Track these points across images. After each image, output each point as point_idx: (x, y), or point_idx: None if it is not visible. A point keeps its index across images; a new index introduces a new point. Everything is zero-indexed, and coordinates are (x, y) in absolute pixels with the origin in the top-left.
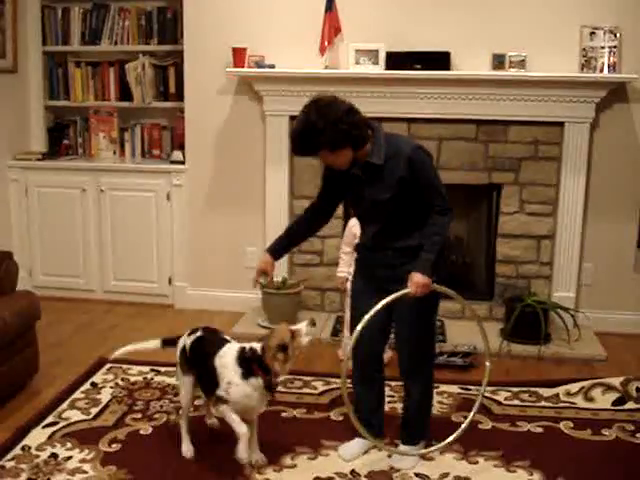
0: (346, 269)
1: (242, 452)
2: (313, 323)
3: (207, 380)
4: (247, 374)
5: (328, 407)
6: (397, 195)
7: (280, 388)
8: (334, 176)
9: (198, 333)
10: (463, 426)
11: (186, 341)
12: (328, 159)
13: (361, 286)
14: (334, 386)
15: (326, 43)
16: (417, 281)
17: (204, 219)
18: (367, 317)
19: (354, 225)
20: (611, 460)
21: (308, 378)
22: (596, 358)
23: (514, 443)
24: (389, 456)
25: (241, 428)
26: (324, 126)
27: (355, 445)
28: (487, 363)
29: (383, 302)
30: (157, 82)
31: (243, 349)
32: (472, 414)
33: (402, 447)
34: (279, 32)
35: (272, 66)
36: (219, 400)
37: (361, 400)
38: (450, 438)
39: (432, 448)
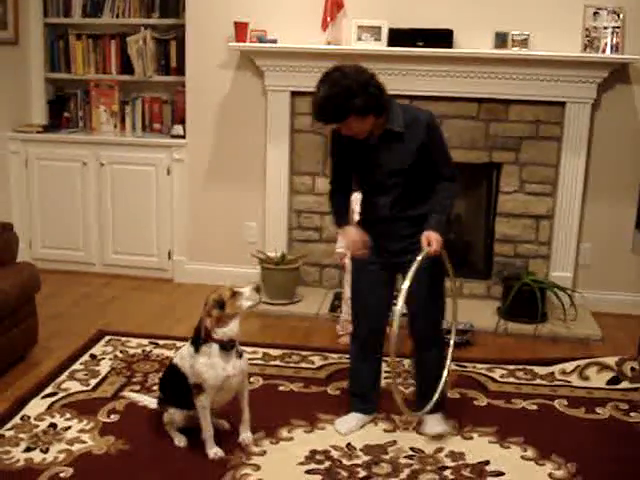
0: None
1: (210, 450)
2: (257, 289)
3: (181, 391)
4: (197, 346)
5: (325, 381)
6: (416, 162)
7: (277, 362)
8: (345, 152)
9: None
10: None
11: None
12: (352, 126)
13: (366, 261)
14: (331, 361)
15: (328, 19)
16: (436, 237)
17: (204, 194)
18: (405, 287)
19: (352, 200)
20: (604, 438)
21: (306, 353)
22: (592, 338)
23: (509, 420)
24: (417, 426)
25: (209, 429)
26: (357, 89)
27: (352, 419)
28: None
29: (413, 269)
30: (158, 56)
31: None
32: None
33: (429, 417)
34: (281, 7)
35: (274, 41)
36: (197, 393)
37: (360, 375)
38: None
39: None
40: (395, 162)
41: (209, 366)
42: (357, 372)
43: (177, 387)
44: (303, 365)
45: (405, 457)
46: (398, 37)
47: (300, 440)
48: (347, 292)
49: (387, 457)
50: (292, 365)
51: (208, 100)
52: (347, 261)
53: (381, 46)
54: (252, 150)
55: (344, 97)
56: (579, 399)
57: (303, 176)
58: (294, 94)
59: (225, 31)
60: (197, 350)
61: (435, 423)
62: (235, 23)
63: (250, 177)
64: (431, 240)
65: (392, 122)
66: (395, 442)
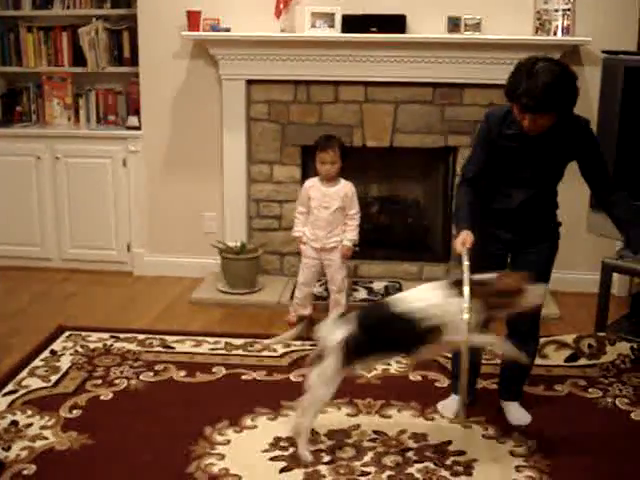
0: (301, 228)
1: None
2: None
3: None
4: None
5: (288, 369)
6: (565, 163)
7: (240, 352)
8: (496, 143)
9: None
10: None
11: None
12: (544, 120)
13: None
14: (294, 348)
15: (281, 6)
16: None
17: (161, 185)
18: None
19: (311, 186)
20: (563, 415)
21: (269, 341)
22: (550, 317)
23: (470, 400)
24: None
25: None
26: (576, 86)
27: (455, 402)
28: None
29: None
30: (111, 47)
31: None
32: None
33: (514, 404)
34: None
35: (228, 29)
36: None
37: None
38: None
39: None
40: (549, 161)
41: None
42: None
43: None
44: (265, 353)
45: (368, 440)
46: (352, 23)
47: (264, 428)
48: (301, 277)
49: (350, 441)
50: (254, 354)
51: (162, 90)
52: (303, 247)
53: (335, 33)
54: (209, 140)
55: (569, 90)
56: (538, 377)
57: (261, 165)
58: (249, 82)
59: (178, 20)
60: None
61: (520, 413)
62: (188, 12)
63: (208, 167)
64: None
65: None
66: (358, 426)
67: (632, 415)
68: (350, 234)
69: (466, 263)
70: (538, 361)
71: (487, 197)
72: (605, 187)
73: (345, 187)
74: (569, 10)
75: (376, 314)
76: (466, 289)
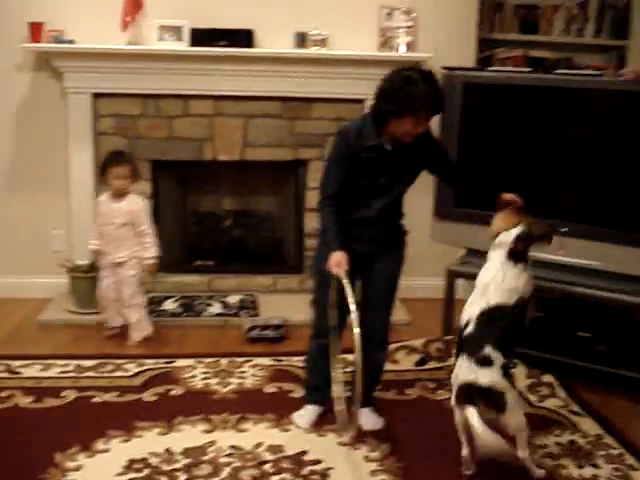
0: (96, 241)
1: None
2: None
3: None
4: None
5: (141, 389)
6: (422, 169)
7: (91, 373)
8: (355, 159)
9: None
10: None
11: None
12: (420, 125)
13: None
14: (147, 367)
15: (128, 19)
16: None
17: (5, 203)
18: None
19: (101, 201)
20: (415, 417)
21: (120, 361)
22: (400, 323)
23: (325, 409)
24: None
25: None
26: None
27: (311, 412)
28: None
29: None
30: None
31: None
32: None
33: (366, 409)
34: (79, 7)
35: (72, 41)
36: None
37: (320, 369)
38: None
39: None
40: (406, 168)
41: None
42: (317, 366)
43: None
44: (118, 374)
45: (225, 456)
46: (200, 37)
47: (117, 450)
48: (104, 291)
49: (207, 458)
50: (106, 375)
51: (4, 104)
52: (103, 260)
53: (183, 46)
54: (54, 155)
55: (442, 94)
56: (390, 382)
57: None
58: (96, 96)
59: (20, 32)
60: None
61: (373, 418)
62: (29, 23)
63: (54, 183)
64: None
65: None
66: (214, 442)
67: None
68: (148, 252)
69: (346, 281)
70: (389, 366)
71: (346, 210)
72: (455, 168)
73: (133, 203)
74: (411, 27)
75: (499, 325)
76: (352, 307)
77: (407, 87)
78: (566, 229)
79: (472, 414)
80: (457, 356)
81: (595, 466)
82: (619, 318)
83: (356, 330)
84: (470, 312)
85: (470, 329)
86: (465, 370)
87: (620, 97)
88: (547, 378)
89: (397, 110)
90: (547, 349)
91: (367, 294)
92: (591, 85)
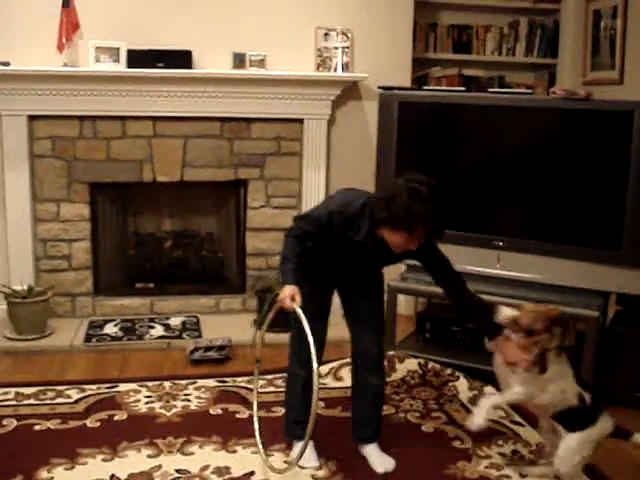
0: None
1: None
2: None
3: None
4: None
5: (84, 415)
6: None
7: (32, 401)
8: (333, 238)
9: None
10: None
11: None
12: (413, 242)
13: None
14: (89, 393)
15: (64, 40)
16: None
17: None
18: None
19: None
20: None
21: (61, 387)
22: (346, 339)
23: (271, 428)
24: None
25: None
26: None
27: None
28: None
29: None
30: None
31: None
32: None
33: (372, 447)
34: (14, 28)
35: (7, 63)
36: None
37: (301, 400)
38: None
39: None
40: (378, 260)
41: None
42: (302, 401)
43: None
44: (59, 400)
45: None
46: (137, 58)
47: (61, 479)
48: None
49: None
50: (47, 402)
51: None
52: None
53: (120, 67)
54: None
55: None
56: (335, 399)
57: (47, 203)
58: (32, 118)
59: None
60: None
61: (383, 457)
62: None
63: None
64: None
65: None
66: (160, 466)
67: (423, 428)
68: None
69: (302, 316)
70: (334, 384)
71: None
72: (453, 281)
73: None
74: (348, 48)
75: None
76: (311, 339)
77: (410, 202)
78: (501, 243)
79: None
80: None
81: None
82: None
83: (315, 365)
84: None
85: None
86: None
87: (550, 114)
88: (489, 389)
89: (393, 222)
90: (488, 361)
91: (354, 319)
92: (522, 103)
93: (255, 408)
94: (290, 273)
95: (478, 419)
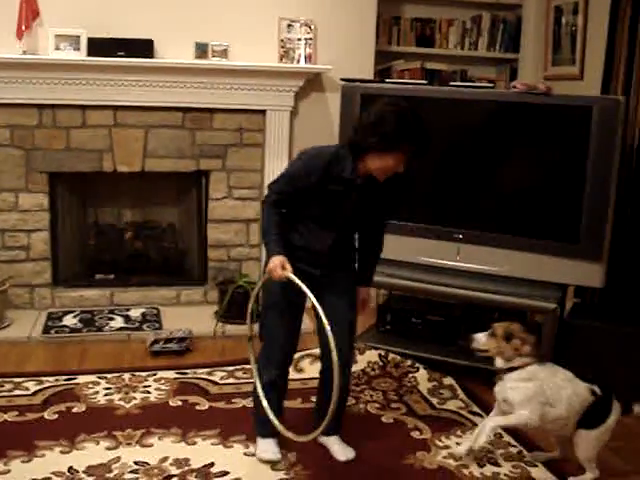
0: None
1: None
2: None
3: None
4: None
5: (41, 407)
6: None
7: None
8: (318, 184)
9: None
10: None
11: None
12: (400, 163)
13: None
14: (47, 385)
15: (23, 27)
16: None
17: None
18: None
19: None
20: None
21: (19, 379)
22: (305, 331)
23: (231, 420)
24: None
25: None
26: None
27: (273, 443)
28: None
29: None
30: None
31: None
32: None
33: (334, 438)
34: None
35: None
36: None
37: (271, 404)
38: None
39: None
40: (370, 207)
41: None
42: (269, 402)
43: None
44: (17, 392)
45: (130, 472)
46: (98, 47)
47: (18, 471)
48: None
49: (111, 475)
50: (5, 394)
51: None
52: None
53: (80, 56)
54: None
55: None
56: (295, 391)
57: (5, 193)
58: None
59: None
60: None
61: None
62: None
63: None
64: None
65: None
66: (119, 458)
67: (382, 419)
68: None
69: (301, 284)
70: (295, 375)
71: (293, 231)
72: (381, 221)
73: None
74: (311, 40)
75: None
76: (320, 311)
77: (398, 120)
78: (461, 236)
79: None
80: None
81: (496, 464)
82: (515, 321)
83: (334, 357)
84: None
85: None
86: None
87: (511, 108)
88: (448, 381)
89: (383, 145)
90: (447, 353)
91: (327, 315)
92: (483, 96)
93: (260, 387)
94: (274, 244)
95: (481, 439)
